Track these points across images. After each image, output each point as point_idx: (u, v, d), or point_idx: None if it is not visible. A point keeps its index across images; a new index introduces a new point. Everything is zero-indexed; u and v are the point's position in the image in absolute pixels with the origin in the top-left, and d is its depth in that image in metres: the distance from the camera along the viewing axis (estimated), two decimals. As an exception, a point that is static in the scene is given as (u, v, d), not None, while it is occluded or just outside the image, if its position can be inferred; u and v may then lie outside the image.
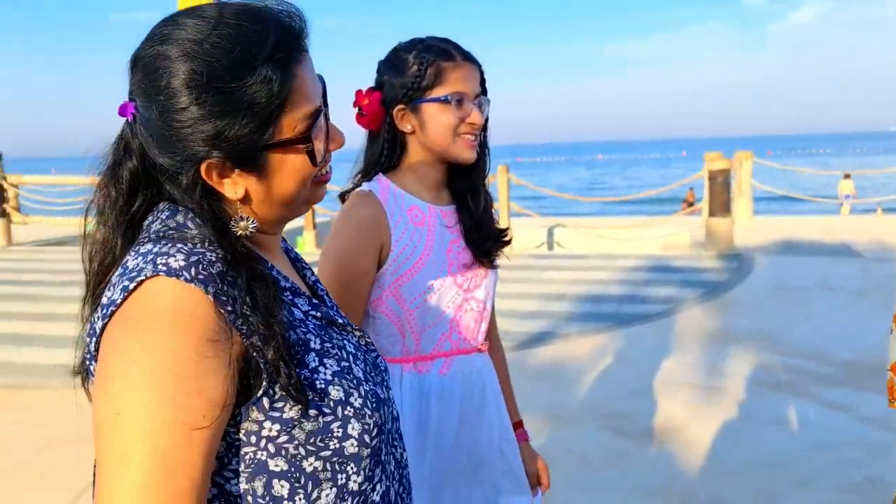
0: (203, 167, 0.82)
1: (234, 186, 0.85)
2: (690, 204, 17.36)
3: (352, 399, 0.85)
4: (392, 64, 1.50)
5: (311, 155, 0.85)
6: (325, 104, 0.89)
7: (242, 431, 0.81)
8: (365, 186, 1.50)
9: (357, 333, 0.98)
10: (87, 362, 0.84)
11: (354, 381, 0.87)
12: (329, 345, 0.88)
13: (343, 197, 1.54)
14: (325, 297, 1.04)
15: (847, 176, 18.27)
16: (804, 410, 3.89)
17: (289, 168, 0.85)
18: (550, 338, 5.42)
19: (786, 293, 6.54)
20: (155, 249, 0.80)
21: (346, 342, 0.92)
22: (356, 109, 1.50)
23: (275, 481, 0.82)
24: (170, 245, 0.81)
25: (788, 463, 3.32)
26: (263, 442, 0.81)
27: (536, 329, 5.65)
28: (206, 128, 0.80)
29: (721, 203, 8.77)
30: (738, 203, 11.21)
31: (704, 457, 3.42)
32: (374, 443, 0.87)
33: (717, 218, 8.74)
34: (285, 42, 0.83)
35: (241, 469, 0.82)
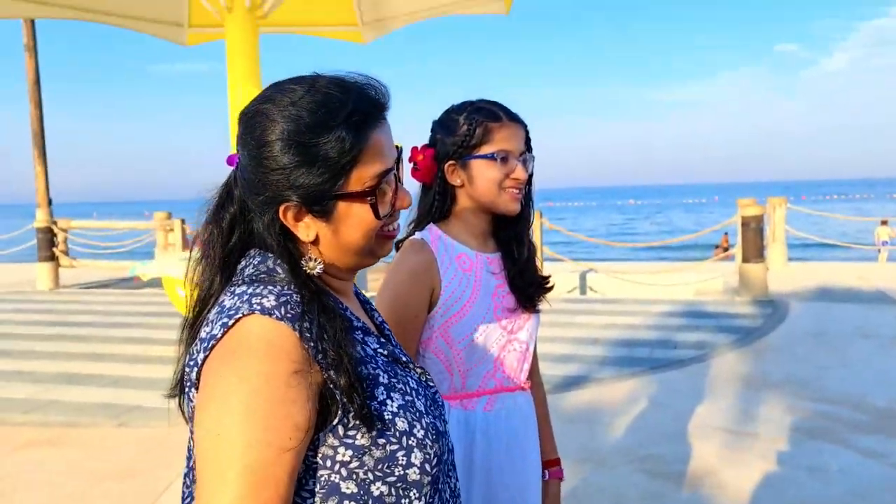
0: (281, 208, 0.97)
1: (306, 229, 0.98)
2: (725, 249, 17.28)
3: (415, 430, 0.96)
4: (444, 124, 1.66)
5: (375, 208, 0.98)
6: (398, 168, 1.02)
7: (319, 455, 0.91)
8: (417, 235, 1.64)
9: (418, 370, 1.09)
10: (187, 387, 0.97)
11: (417, 414, 0.98)
12: (395, 380, 0.99)
13: (398, 245, 1.69)
14: (391, 336, 1.16)
15: (884, 222, 18.07)
16: (838, 457, 3.90)
17: (354, 218, 0.98)
18: (584, 381, 5.48)
19: (821, 339, 6.52)
20: (249, 291, 0.94)
21: (409, 378, 1.03)
22: (411, 164, 1.67)
23: (345, 502, 0.92)
24: (262, 287, 0.94)
25: (823, 508, 3.34)
26: (337, 466, 0.91)
27: (570, 372, 5.71)
28: (286, 174, 0.95)
29: (754, 249, 8.79)
30: (773, 249, 11.19)
31: (738, 501, 3.45)
32: (433, 471, 0.97)
33: (750, 264, 8.75)
34: (362, 109, 0.97)
35: (316, 490, 0.92)
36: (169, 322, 8.03)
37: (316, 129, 0.94)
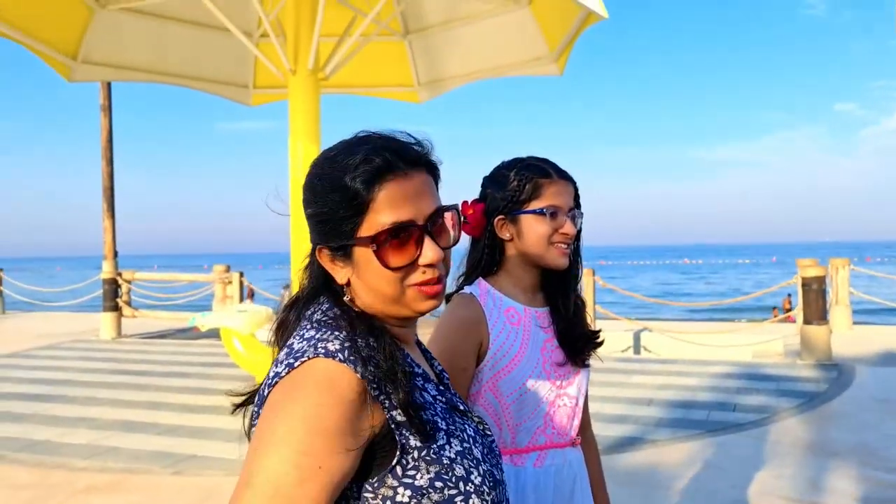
0: (317, 251, 1.07)
1: (339, 272, 1.05)
2: (788, 311, 16.79)
3: (472, 476, 0.97)
4: (495, 179, 1.71)
5: (380, 257, 1.00)
6: (431, 222, 1.03)
7: (379, 497, 0.94)
8: (466, 289, 1.67)
9: (476, 419, 1.11)
10: (254, 421, 1.00)
11: (475, 461, 1.00)
12: (453, 427, 1.01)
13: (447, 299, 1.73)
14: (449, 385, 1.18)
15: (956, 284, 17.29)
16: (912, 530, 3.69)
17: (374, 266, 1.01)
18: (639, 443, 5.34)
19: (890, 406, 6.24)
20: (317, 336, 0.99)
21: (466, 426, 1.05)
22: (461, 218, 1.71)
23: None
24: (328, 332, 0.99)
25: (895, 585, 3.15)
26: None
27: (624, 433, 5.58)
28: (312, 219, 1.06)
29: (817, 311, 8.52)
30: (836, 311, 10.83)
31: (803, 574, 3.28)
32: None
33: (813, 325, 8.47)
34: (377, 160, 1.01)
35: None
36: (224, 372, 8.19)
37: (332, 179, 1.02)
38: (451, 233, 1.08)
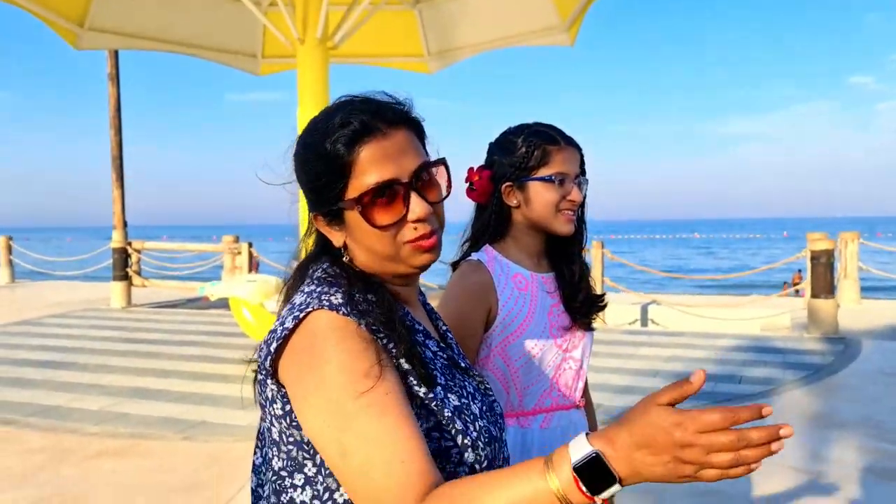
0: (311, 217, 1.09)
1: (335, 236, 1.08)
2: (797, 285, 16.74)
3: (469, 431, 0.99)
4: (502, 146, 1.71)
5: (366, 217, 1.01)
6: (417, 178, 1.03)
7: None
8: (474, 256, 1.68)
9: (478, 378, 1.13)
10: (261, 375, 1.01)
11: (472, 417, 1.02)
12: (452, 383, 1.04)
13: (454, 266, 1.74)
14: (453, 343, 1.20)
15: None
16: (914, 500, 3.73)
17: (365, 227, 1.03)
18: (643, 414, 5.37)
19: (895, 379, 6.25)
20: (319, 290, 1.01)
21: (466, 383, 1.08)
22: (467, 184, 1.71)
23: None
24: (329, 287, 1.02)
25: (896, 553, 3.19)
26: None
27: (630, 404, 5.60)
28: (305, 190, 1.09)
29: (824, 284, 8.51)
30: (844, 285, 10.80)
31: (804, 541, 3.33)
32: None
33: (820, 299, 8.46)
34: (354, 122, 1.01)
35: None
36: (233, 342, 8.26)
37: (313, 145, 1.04)
38: (441, 187, 1.08)
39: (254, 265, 11.69)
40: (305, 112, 5.37)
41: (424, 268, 1.08)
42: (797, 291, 12.74)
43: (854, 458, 4.35)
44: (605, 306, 1.76)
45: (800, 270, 19.04)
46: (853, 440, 4.66)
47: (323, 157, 1.02)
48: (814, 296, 8.58)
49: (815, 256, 8.70)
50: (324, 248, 1.12)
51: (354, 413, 0.89)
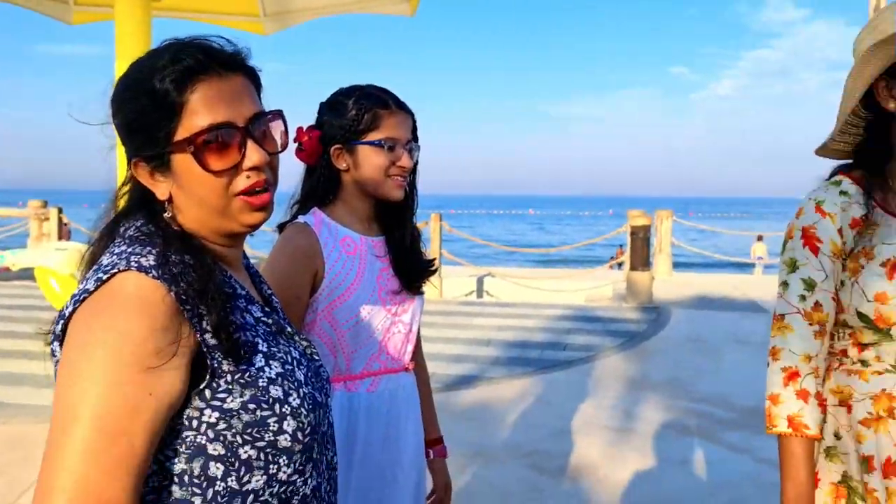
0: (132, 165, 0.98)
1: (159, 186, 0.98)
2: (619, 259, 17.98)
3: (290, 399, 0.96)
4: (333, 107, 1.65)
5: (199, 159, 0.94)
6: (253, 125, 0.97)
7: (185, 417, 0.90)
8: (301, 219, 1.63)
9: (304, 343, 1.10)
10: (53, 344, 0.92)
11: (295, 384, 0.98)
12: (275, 349, 0.99)
13: (281, 228, 1.67)
14: (278, 308, 1.16)
15: (760, 238, 19.27)
16: (707, 452, 4.14)
17: (196, 174, 0.95)
18: (476, 381, 5.57)
19: (698, 344, 6.90)
20: (129, 250, 0.93)
21: (291, 349, 1.03)
22: (296, 145, 1.65)
23: (211, 464, 0.91)
24: (142, 247, 0.93)
25: (690, 501, 3.53)
26: (203, 427, 0.91)
27: (463, 372, 5.79)
28: (123, 131, 0.98)
29: (641, 258, 9.20)
30: (659, 259, 11.72)
31: (614, 494, 3.60)
32: (306, 440, 0.97)
33: (637, 272, 9.15)
34: (185, 61, 0.94)
35: (180, 450, 0.91)
36: (37, 316, 7.56)
37: (137, 81, 0.96)
38: (278, 140, 1.03)
39: (64, 233, 10.75)
40: (124, 68, 4.96)
41: (254, 227, 1.02)
42: (619, 265, 13.70)
43: (659, 416, 4.75)
44: (435, 271, 1.78)
45: (621, 245, 20.51)
46: (659, 400, 5.10)
47: (149, 94, 0.93)
48: (632, 268, 9.26)
49: (633, 232, 9.37)
50: (140, 202, 1.01)
51: (83, 412, 0.82)
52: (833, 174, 1.50)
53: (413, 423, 1.72)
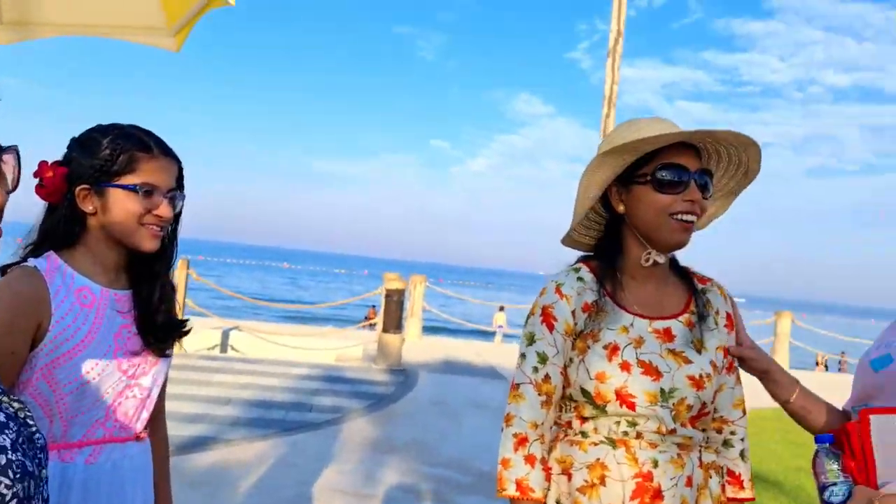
0: None
1: None
2: (371, 321, 18.27)
3: None
4: (84, 144, 1.49)
5: None
6: None
7: None
8: (30, 262, 1.44)
9: (15, 405, 0.95)
10: None
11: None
12: None
13: (4, 270, 1.46)
14: None
15: (501, 308, 20.80)
16: (445, 516, 4.25)
17: None
18: (212, 442, 5.23)
19: (442, 408, 7.15)
20: None
21: None
22: (37, 180, 1.46)
23: None
24: None
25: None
26: None
27: (198, 433, 5.41)
28: None
29: (394, 320, 9.42)
30: (410, 322, 12.10)
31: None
32: None
33: (389, 334, 9.34)
34: None
35: None
36: None
37: None
38: (7, 178, 0.90)
39: None
40: None
41: None
42: (372, 325, 13.90)
43: (400, 480, 4.81)
44: (187, 332, 1.65)
45: (374, 306, 20.90)
46: (402, 463, 5.16)
47: None
48: (384, 330, 9.43)
49: (388, 294, 9.59)
50: None
51: None
52: (577, 262, 1.67)
53: (141, 498, 1.54)
